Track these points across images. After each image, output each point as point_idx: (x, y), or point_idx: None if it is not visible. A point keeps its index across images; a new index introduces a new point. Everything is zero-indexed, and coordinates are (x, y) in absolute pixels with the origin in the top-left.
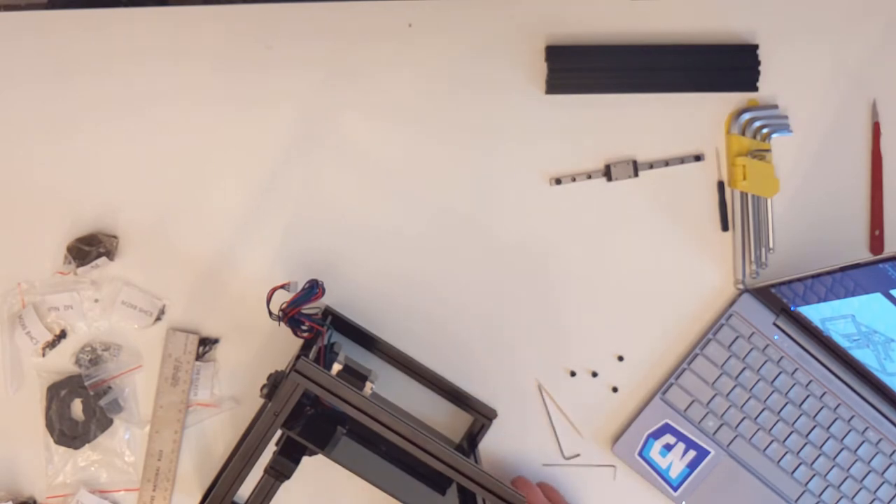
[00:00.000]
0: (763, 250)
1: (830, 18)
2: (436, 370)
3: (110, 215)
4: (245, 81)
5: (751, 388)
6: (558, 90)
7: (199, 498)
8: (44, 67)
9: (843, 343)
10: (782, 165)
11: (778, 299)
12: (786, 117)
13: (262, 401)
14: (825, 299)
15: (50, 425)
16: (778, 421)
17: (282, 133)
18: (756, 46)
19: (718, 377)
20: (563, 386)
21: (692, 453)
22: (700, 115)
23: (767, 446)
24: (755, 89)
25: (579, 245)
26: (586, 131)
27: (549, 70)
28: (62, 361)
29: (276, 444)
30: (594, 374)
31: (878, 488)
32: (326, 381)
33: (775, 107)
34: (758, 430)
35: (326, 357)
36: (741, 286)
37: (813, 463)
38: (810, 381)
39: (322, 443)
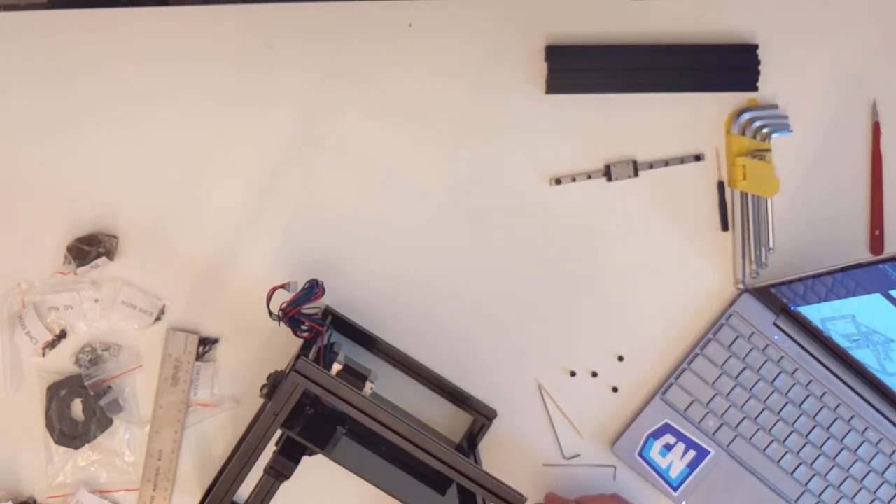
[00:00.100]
0: (763, 250)
1: (830, 18)
2: (436, 370)
3: (110, 215)
4: (245, 81)
5: (751, 388)
6: (558, 90)
7: (199, 498)
8: (44, 67)
9: (843, 343)
10: (782, 165)
11: (778, 299)
12: (786, 117)
13: (262, 401)
14: (825, 299)
15: (50, 425)
16: (778, 421)
17: (282, 133)
18: (756, 46)
19: (718, 377)
20: (563, 386)
21: (692, 453)
22: (700, 115)
23: (767, 446)
24: (755, 89)
25: (579, 245)
26: (586, 131)
27: (549, 70)
28: (62, 361)
29: (276, 444)
30: (594, 374)
31: (878, 488)
32: (326, 381)
33: (775, 107)
34: (758, 430)
35: (326, 357)
36: (741, 286)
37: (813, 463)
38: (810, 381)
39: (322, 443)
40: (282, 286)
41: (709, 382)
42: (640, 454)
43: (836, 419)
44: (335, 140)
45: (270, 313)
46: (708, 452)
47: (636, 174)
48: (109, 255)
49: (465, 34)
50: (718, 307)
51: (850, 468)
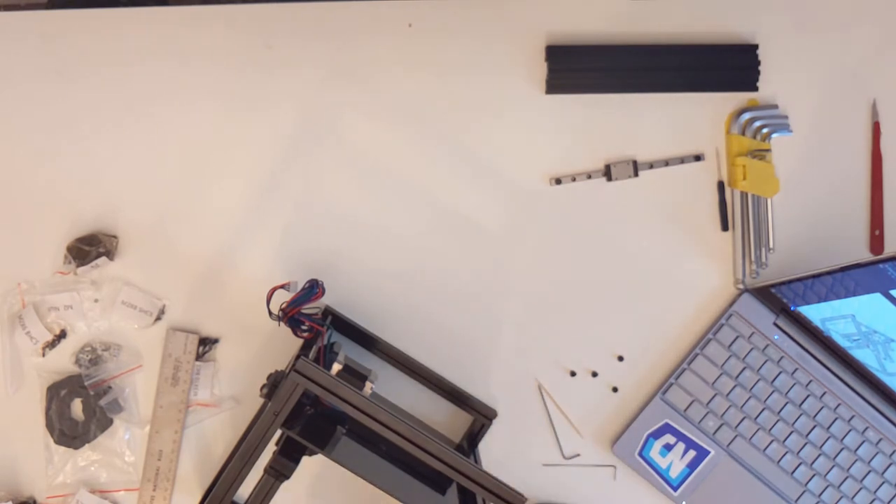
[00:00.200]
0: (763, 250)
1: (830, 18)
2: (436, 370)
3: (110, 215)
4: (245, 81)
5: (751, 388)
6: (558, 90)
7: (199, 498)
8: (44, 67)
9: (843, 343)
10: (782, 165)
11: (778, 299)
12: (786, 117)
13: (262, 401)
14: (825, 299)
15: (50, 425)
16: (778, 421)
17: (282, 133)
18: (756, 46)
19: (718, 377)
20: (563, 386)
21: (692, 453)
22: (700, 115)
23: (767, 446)
24: (755, 89)
25: (579, 245)
26: (586, 131)
27: (549, 70)
28: (62, 361)
29: (276, 443)
30: (594, 374)
31: (878, 488)
32: (326, 381)
33: (775, 107)
34: (758, 430)
35: (326, 357)
36: (741, 286)
37: (813, 463)
38: (810, 381)
39: (322, 443)
40: (282, 286)
41: (709, 382)
42: (640, 454)
43: (836, 419)
44: (335, 140)
45: (270, 313)
46: (708, 452)
47: (636, 174)
48: (109, 255)
49: (465, 34)
50: (718, 307)
51: (850, 468)
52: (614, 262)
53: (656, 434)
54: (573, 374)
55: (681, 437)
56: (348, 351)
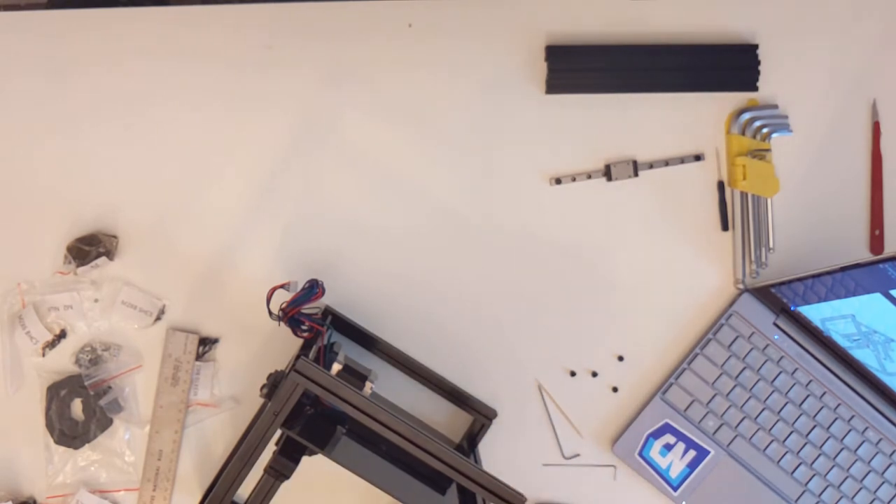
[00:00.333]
0: (763, 250)
1: (830, 18)
2: (436, 370)
3: (110, 215)
4: (245, 81)
5: (751, 388)
6: (558, 90)
7: (199, 498)
8: (44, 67)
9: (843, 343)
10: (782, 165)
11: (778, 299)
12: (786, 117)
13: (262, 401)
14: (825, 299)
15: (50, 425)
16: (778, 421)
17: (282, 133)
18: (756, 46)
19: (718, 377)
20: (563, 386)
21: (692, 453)
22: (700, 115)
23: (767, 446)
24: (755, 89)
25: (579, 245)
26: (586, 131)
27: (549, 70)
28: (62, 361)
29: (276, 443)
30: (594, 374)
31: (878, 488)
32: (326, 380)
33: (775, 107)
34: (758, 429)
35: (326, 357)
36: (741, 286)
37: (813, 463)
38: (810, 381)
39: (322, 443)
40: (282, 286)
41: (709, 382)
42: (640, 454)
43: (836, 419)
44: (335, 140)
45: (270, 313)
46: (708, 452)
47: (636, 174)
48: (109, 255)
49: (465, 34)
50: (718, 307)
51: (850, 468)
52: (614, 262)
53: (656, 434)
54: (573, 374)
55: (681, 437)
56: (348, 351)
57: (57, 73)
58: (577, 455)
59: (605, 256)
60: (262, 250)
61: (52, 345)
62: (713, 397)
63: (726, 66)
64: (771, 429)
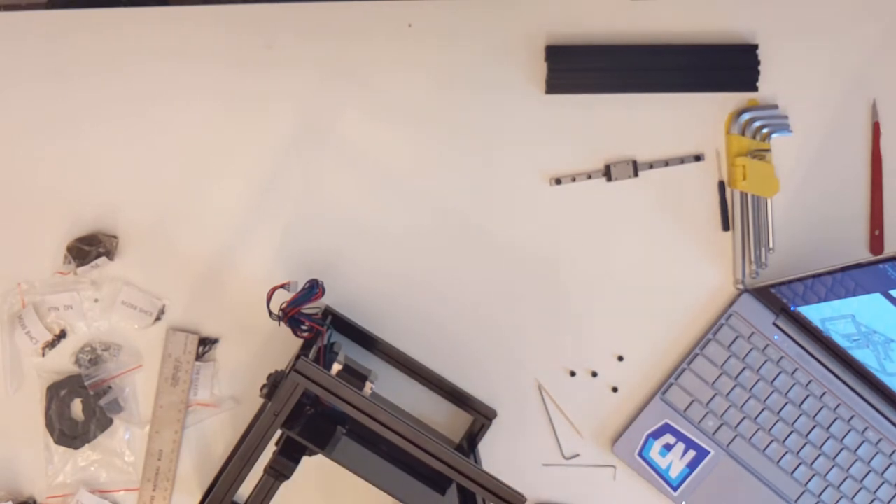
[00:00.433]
0: (763, 250)
1: (830, 18)
2: (436, 370)
3: (110, 215)
4: (245, 81)
5: (751, 388)
6: (558, 90)
7: (199, 498)
8: (44, 67)
9: (843, 343)
10: (782, 165)
11: (778, 299)
12: (786, 117)
13: (262, 401)
14: (825, 299)
15: (50, 425)
16: (778, 421)
17: (282, 133)
18: (756, 46)
19: (718, 377)
20: (563, 386)
21: (692, 453)
22: (700, 115)
23: (767, 446)
24: (755, 89)
25: (579, 245)
26: (586, 131)
27: (549, 70)
28: (62, 361)
29: (276, 444)
30: (594, 374)
31: (878, 488)
32: (326, 381)
33: (775, 107)
34: (758, 430)
35: (326, 357)
36: (741, 286)
37: (813, 463)
38: (810, 381)
39: (322, 443)
40: (282, 286)
41: (709, 382)
42: (640, 454)
43: (836, 419)
44: (335, 140)
45: (270, 313)
46: (708, 452)
47: (636, 174)
48: (109, 255)
49: (465, 34)
50: (718, 307)
51: (849, 468)
52: (614, 263)
53: (656, 434)
54: (573, 374)
55: (681, 437)
56: (348, 351)
57: (57, 73)
58: (577, 455)
59: (605, 257)
60: (262, 250)
61: (52, 345)
62: (713, 397)
63: (726, 66)
64: (771, 429)
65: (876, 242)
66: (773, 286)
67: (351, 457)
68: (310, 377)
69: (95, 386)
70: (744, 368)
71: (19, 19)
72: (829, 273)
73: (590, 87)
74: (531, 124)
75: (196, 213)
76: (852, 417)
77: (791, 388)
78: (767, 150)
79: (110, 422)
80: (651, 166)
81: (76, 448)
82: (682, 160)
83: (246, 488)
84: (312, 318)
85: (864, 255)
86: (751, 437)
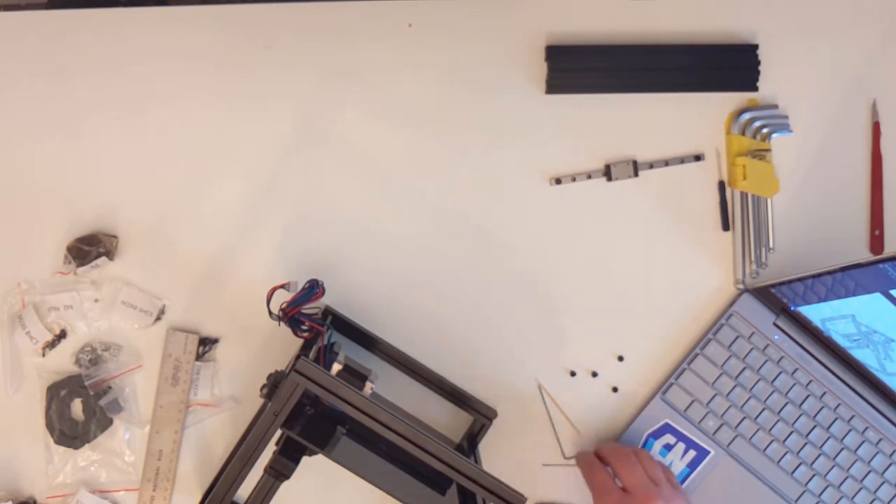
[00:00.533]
0: (763, 250)
1: (830, 18)
2: (436, 370)
3: (110, 215)
4: (245, 81)
5: (751, 388)
6: (558, 90)
7: (199, 498)
8: (44, 67)
9: (843, 343)
10: (782, 165)
11: (778, 299)
12: (786, 117)
13: (262, 401)
14: (825, 299)
15: (50, 425)
16: (778, 421)
17: (281, 133)
18: (756, 46)
19: (718, 377)
20: (563, 386)
21: (692, 453)
22: (700, 115)
23: (767, 446)
24: (755, 89)
25: (579, 245)
26: (586, 131)
27: (549, 70)
28: (62, 361)
29: (276, 443)
30: (594, 374)
31: (878, 488)
32: (326, 381)
33: (775, 107)
34: (758, 430)
35: (326, 357)
36: (741, 286)
37: (813, 463)
38: (810, 381)
39: (322, 443)
40: (282, 286)
41: (709, 382)
42: None
43: (836, 419)
44: (335, 140)
45: (270, 313)
46: (708, 452)
47: (636, 174)
48: (109, 255)
49: (465, 34)
50: (718, 307)
51: (850, 468)
52: (614, 262)
53: (656, 434)
54: (573, 374)
55: (681, 437)
56: (348, 351)
57: (57, 73)
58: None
59: (605, 256)
60: (262, 250)
61: (52, 345)
62: (713, 397)
63: (726, 66)
64: (771, 429)
65: (876, 242)
66: (773, 286)
67: (351, 457)
68: (310, 377)
69: (95, 386)
70: (744, 368)
71: (19, 19)
72: (829, 273)
73: (590, 87)
74: (531, 124)
75: (196, 213)
76: (852, 417)
77: (791, 387)
78: (767, 150)
79: (110, 422)
80: (651, 166)
81: (76, 448)
82: (682, 160)
83: (246, 488)
84: (312, 318)
85: (864, 255)
86: (751, 437)
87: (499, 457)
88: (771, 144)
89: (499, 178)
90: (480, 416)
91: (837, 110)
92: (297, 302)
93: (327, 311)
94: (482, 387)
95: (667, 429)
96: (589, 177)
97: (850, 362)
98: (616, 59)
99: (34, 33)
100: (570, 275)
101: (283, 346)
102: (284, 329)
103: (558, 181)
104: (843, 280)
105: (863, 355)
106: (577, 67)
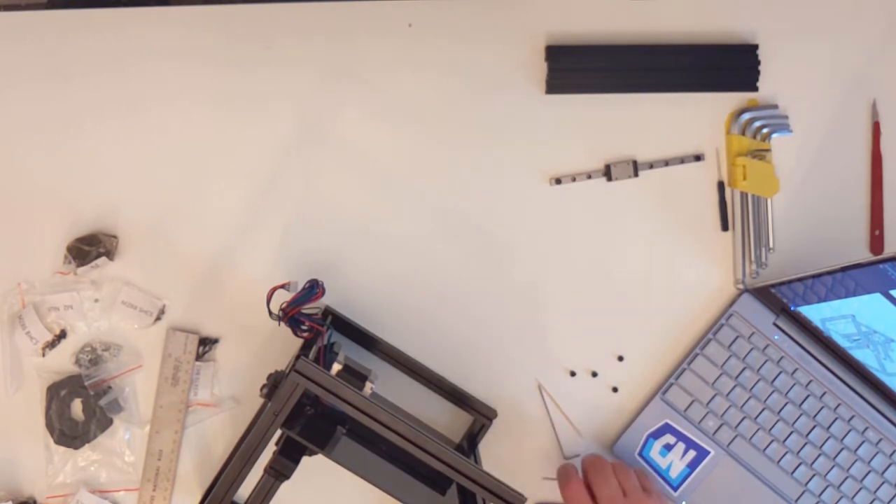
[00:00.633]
0: (763, 250)
1: (830, 18)
2: (436, 370)
3: (110, 215)
4: (245, 81)
5: (751, 388)
6: (558, 90)
7: (199, 498)
8: (44, 67)
9: (843, 343)
10: (782, 165)
11: (778, 299)
12: (786, 117)
13: (262, 401)
14: (825, 299)
15: (50, 425)
16: (778, 421)
17: (281, 133)
18: (756, 46)
19: (718, 377)
20: (563, 386)
21: (692, 453)
22: (700, 115)
23: (767, 446)
24: (755, 89)
25: (579, 245)
26: (586, 131)
27: (549, 70)
28: (62, 361)
29: (276, 443)
30: (594, 374)
31: (878, 488)
32: (326, 381)
33: (775, 107)
34: (758, 430)
35: (326, 357)
36: (741, 286)
37: (813, 463)
38: (810, 381)
39: (322, 443)
40: (282, 286)
41: (709, 382)
42: (640, 454)
43: (836, 419)
44: (335, 140)
45: (270, 313)
46: (708, 452)
47: (636, 174)
48: (109, 255)
49: (465, 34)
50: (718, 307)
51: (850, 468)
52: (614, 262)
53: (656, 434)
54: (573, 374)
55: (681, 437)
56: (348, 351)
57: (57, 73)
58: (578, 455)
59: (605, 256)
60: (262, 250)
61: (52, 345)
62: (713, 397)
63: (726, 66)
64: (771, 429)
65: (876, 242)
66: (773, 286)
67: (351, 457)
68: (310, 377)
69: (95, 386)
70: (744, 368)
71: (19, 19)
72: (829, 273)
73: (590, 87)
74: (531, 124)
75: (196, 213)
76: (852, 417)
77: (791, 387)
78: (767, 150)
79: (110, 422)
80: (651, 166)
81: (76, 448)
82: (682, 160)
83: (246, 488)
84: (312, 318)
85: (864, 255)
86: (751, 437)
87: (499, 457)
88: (771, 144)
89: (499, 178)
90: (480, 416)
91: (837, 110)
92: (297, 302)
93: (327, 311)
94: (482, 387)
95: (667, 429)
96: (589, 177)
97: (850, 362)
98: (616, 59)
99: (34, 33)
100: (570, 275)
101: (283, 346)
102: (284, 329)
103: (558, 181)
104: (843, 280)
105: (863, 355)
106: (577, 67)
